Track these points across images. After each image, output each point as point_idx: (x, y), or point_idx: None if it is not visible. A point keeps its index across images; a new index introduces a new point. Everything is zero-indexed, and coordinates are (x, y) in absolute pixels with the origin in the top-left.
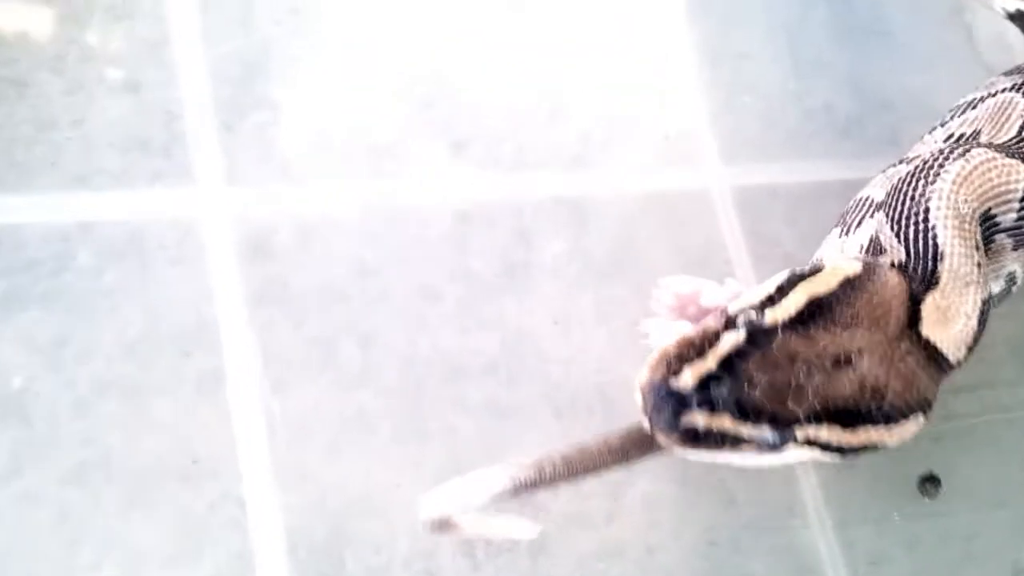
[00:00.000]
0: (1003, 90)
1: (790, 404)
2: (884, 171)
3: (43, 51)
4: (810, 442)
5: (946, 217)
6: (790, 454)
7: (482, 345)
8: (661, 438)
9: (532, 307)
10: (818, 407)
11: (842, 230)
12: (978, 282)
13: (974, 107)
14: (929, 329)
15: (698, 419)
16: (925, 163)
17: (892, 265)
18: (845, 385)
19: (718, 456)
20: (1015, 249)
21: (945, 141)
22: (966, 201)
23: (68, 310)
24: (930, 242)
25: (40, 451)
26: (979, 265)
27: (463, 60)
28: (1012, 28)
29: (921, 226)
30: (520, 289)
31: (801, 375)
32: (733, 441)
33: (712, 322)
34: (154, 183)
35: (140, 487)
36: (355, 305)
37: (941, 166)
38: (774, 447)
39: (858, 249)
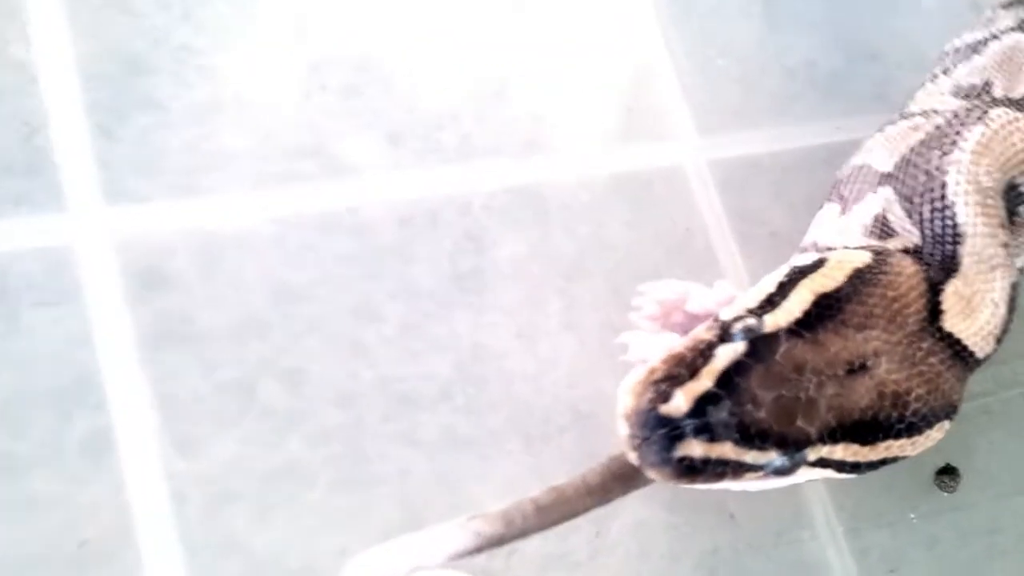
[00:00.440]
0: (1008, 29)
1: (800, 423)
2: (882, 130)
3: None
4: (824, 462)
5: (966, 192)
6: (800, 475)
7: (433, 369)
8: (652, 473)
9: (490, 320)
10: (833, 423)
11: (840, 207)
12: (1005, 264)
13: (978, 51)
14: (952, 322)
15: (695, 449)
16: (939, 128)
17: (905, 250)
18: (862, 395)
19: (717, 486)
20: None
21: (954, 96)
22: (988, 173)
23: None
24: (948, 222)
25: None
26: (1005, 245)
27: (390, 39)
28: None
29: (938, 204)
30: (474, 300)
31: (811, 388)
32: (736, 469)
33: (703, 333)
34: (16, 209)
35: None
36: (276, 338)
37: (958, 133)
38: (782, 472)
39: (861, 231)
